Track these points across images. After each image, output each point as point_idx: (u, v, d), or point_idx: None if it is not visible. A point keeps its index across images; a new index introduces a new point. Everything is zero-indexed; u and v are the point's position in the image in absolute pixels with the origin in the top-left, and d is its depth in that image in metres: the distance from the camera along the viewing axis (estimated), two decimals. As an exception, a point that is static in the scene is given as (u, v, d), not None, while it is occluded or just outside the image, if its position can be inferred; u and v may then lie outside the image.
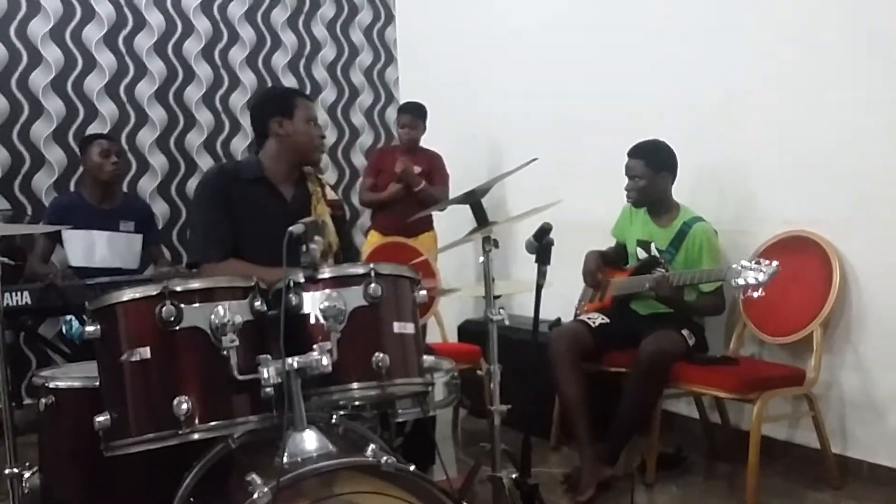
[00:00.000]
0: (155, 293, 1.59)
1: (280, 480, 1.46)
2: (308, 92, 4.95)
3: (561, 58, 4.17)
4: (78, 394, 1.94)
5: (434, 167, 4.39)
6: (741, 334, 3.25)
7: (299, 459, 1.58)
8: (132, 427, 1.59)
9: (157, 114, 4.64)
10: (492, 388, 2.26)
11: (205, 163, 4.76)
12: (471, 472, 2.53)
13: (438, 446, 2.16)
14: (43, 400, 1.98)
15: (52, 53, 4.32)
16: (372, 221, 4.56)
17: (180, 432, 1.56)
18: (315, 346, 1.64)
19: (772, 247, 3.14)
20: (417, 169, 4.27)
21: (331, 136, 5.28)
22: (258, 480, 1.48)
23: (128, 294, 1.61)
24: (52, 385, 1.97)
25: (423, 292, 1.87)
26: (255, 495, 1.45)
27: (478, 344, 3.61)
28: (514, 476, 2.26)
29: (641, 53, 3.73)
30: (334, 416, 1.93)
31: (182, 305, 1.58)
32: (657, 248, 3.25)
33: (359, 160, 5.32)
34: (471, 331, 4.08)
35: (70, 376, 2.00)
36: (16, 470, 1.99)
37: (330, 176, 5.27)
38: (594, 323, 3.25)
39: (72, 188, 4.25)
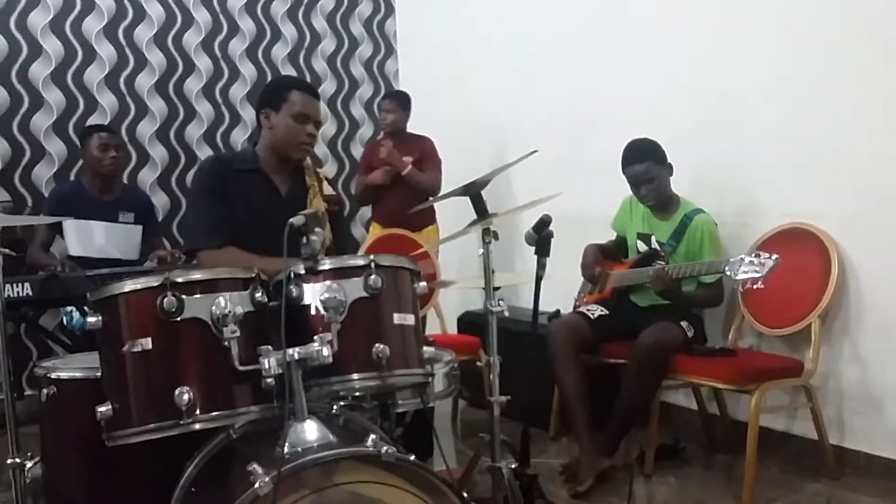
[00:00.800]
0: (156, 284, 1.60)
1: (281, 470, 1.47)
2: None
3: (561, 50, 4.16)
4: (79, 384, 1.96)
5: (425, 152, 4.28)
6: (740, 326, 3.26)
7: (300, 449, 1.58)
8: (134, 417, 1.60)
9: (157, 106, 4.65)
10: (491, 379, 2.28)
11: (205, 154, 4.76)
12: (470, 463, 2.54)
13: (438, 437, 2.16)
14: (45, 390, 1.99)
15: (52, 45, 4.32)
16: (372, 213, 4.55)
17: (182, 422, 1.57)
18: (316, 337, 1.65)
19: (771, 239, 3.15)
20: (409, 158, 4.22)
21: (330, 129, 5.29)
22: (259, 470, 1.49)
23: (129, 285, 1.62)
24: (53, 375, 1.99)
25: (423, 283, 1.87)
26: (257, 485, 1.46)
27: (477, 335, 3.62)
28: (513, 466, 2.28)
29: (642, 45, 3.72)
30: (335, 407, 1.94)
31: (183, 296, 1.59)
32: (658, 241, 3.25)
33: (358, 152, 5.31)
34: (470, 322, 4.08)
35: (71, 367, 2.02)
36: (18, 460, 2.00)
37: (329, 168, 5.28)
38: (593, 315, 3.26)
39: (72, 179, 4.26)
